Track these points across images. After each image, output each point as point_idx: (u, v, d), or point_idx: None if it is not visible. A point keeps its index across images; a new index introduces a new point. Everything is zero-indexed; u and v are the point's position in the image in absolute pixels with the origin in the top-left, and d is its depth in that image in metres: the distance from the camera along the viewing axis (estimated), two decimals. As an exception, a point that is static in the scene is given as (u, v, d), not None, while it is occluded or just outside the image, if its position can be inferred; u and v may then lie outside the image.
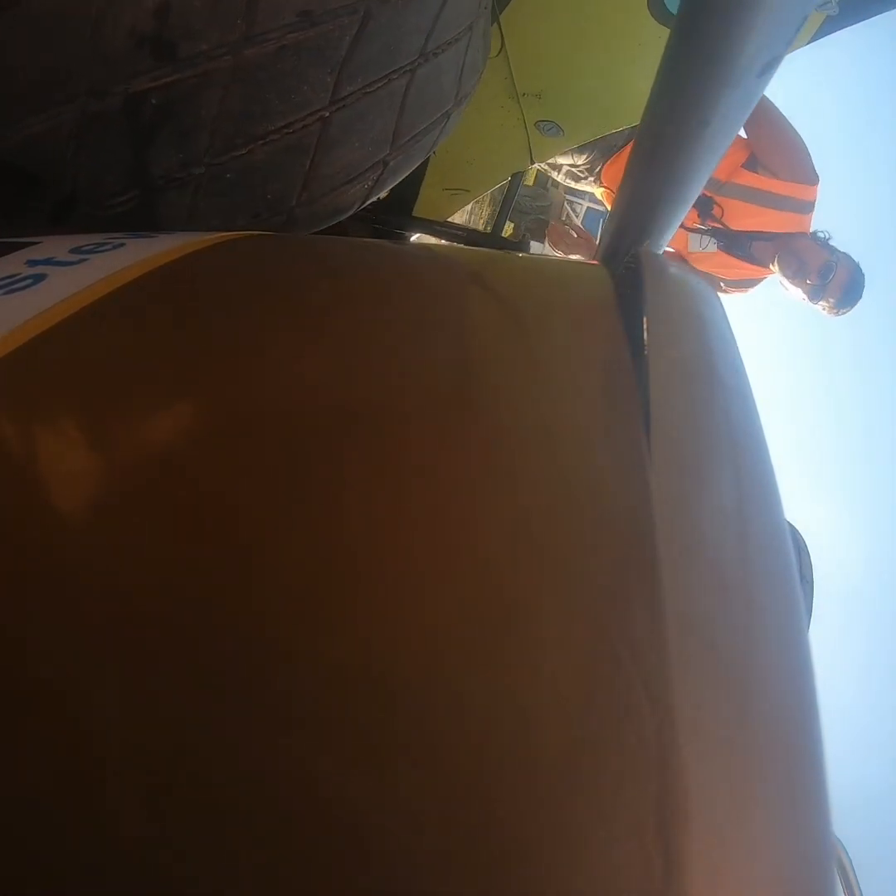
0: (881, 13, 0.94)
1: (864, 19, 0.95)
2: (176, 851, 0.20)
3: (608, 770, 0.22)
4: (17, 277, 0.31)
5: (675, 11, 0.68)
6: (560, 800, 0.21)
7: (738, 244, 2.13)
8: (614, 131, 0.94)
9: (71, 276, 0.30)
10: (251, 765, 0.20)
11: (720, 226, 2.09)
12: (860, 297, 2.16)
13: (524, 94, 0.83)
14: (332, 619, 0.23)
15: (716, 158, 0.55)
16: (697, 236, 2.12)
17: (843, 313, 2.19)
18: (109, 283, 0.30)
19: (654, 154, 0.56)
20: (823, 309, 2.18)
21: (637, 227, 0.60)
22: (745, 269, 2.21)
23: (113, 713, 0.21)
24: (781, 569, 0.32)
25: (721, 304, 0.54)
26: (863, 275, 2.17)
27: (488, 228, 1.15)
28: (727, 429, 0.40)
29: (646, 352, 0.39)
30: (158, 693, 0.21)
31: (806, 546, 1.19)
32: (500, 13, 0.73)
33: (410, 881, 0.19)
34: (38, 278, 0.31)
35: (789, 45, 0.43)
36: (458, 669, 0.23)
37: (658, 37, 0.75)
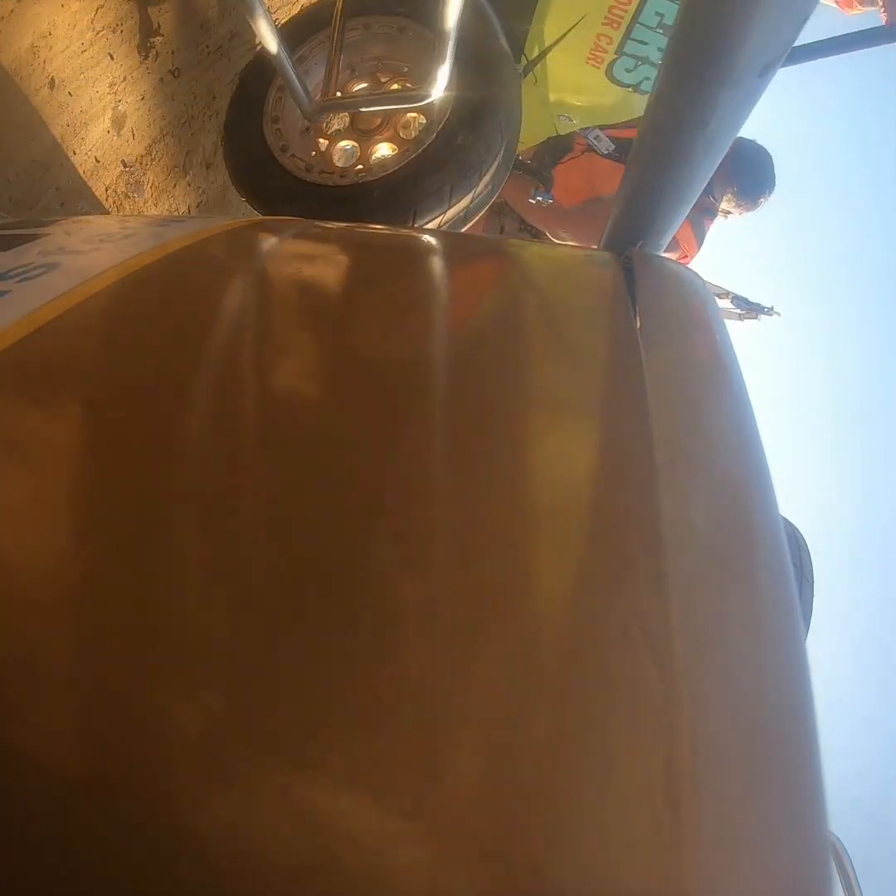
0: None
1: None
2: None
3: (619, 737, 0.22)
4: (31, 267, 0.31)
5: (621, 79, 1.58)
6: (574, 764, 0.22)
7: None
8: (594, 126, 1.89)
9: (83, 264, 0.31)
10: None
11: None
12: (766, 183, 1.92)
13: (550, 102, 1.75)
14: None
15: (716, 158, 0.55)
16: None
17: (752, 206, 1.95)
18: (120, 271, 0.30)
19: (654, 154, 0.56)
20: (733, 209, 1.94)
21: (636, 226, 0.61)
22: None
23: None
24: (776, 555, 0.33)
25: (715, 302, 0.55)
26: (764, 156, 1.93)
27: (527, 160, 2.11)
28: (722, 426, 0.41)
29: (641, 353, 0.39)
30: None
31: (806, 545, 1.19)
32: (534, 67, 1.62)
33: (444, 831, 0.19)
34: (51, 267, 0.31)
35: (790, 45, 0.43)
36: (477, 646, 0.23)
37: (612, 89, 1.61)
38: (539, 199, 1.98)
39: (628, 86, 1.61)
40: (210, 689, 0.23)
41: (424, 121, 1.17)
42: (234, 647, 0.23)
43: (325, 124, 1.25)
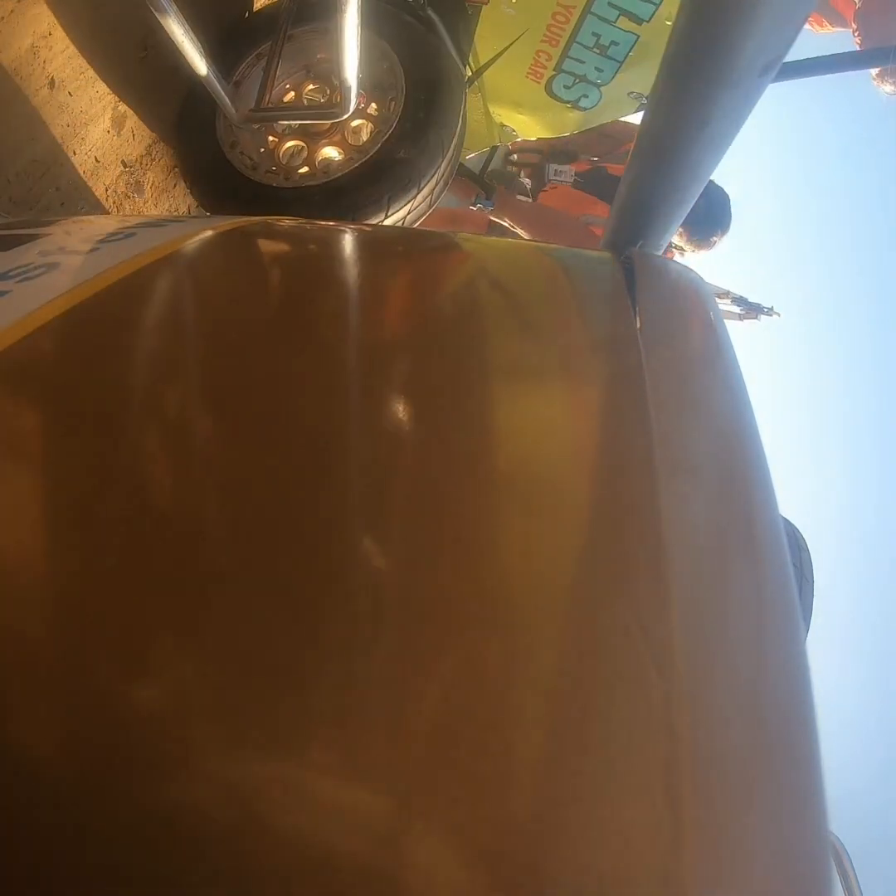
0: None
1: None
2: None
3: (619, 736, 0.22)
4: (31, 267, 0.31)
5: (560, 95, 1.66)
6: (574, 761, 0.22)
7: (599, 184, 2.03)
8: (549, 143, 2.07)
9: (83, 264, 0.31)
10: None
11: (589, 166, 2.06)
12: (719, 223, 1.94)
13: (493, 113, 1.85)
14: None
15: (716, 158, 0.55)
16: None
17: (704, 245, 1.97)
18: (120, 271, 0.30)
19: (654, 154, 0.56)
20: (686, 246, 1.97)
21: (635, 226, 0.61)
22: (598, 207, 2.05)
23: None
24: (776, 555, 0.33)
25: (715, 302, 0.55)
26: (720, 196, 1.93)
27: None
28: (722, 426, 0.41)
29: (641, 353, 0.39)
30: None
31: (806, 545, 1.19)
32: (477, 79, 1.68)
33: (443, 830, 0.19)
34: (51, 267, 0.31)
35: (790, 45, 0.43)
36: (476, 645, 0.23)
37: (551, 104, 1.69)
38: (480, 205, 2.06)
39: (567, 102, 1.69)
40: (201, 686, 0.23)
41: (374, 128, 1.20)
42: (226, 645, 0.23)
43: (275, 124, 1.30)
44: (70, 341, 0.28)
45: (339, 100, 1.09)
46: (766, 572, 0.31)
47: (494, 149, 2.25)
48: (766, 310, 2.31)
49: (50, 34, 1.09)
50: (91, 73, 1.19)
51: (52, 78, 1.12)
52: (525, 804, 0.21)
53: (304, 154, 1.28)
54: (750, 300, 2.32)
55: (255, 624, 0.24)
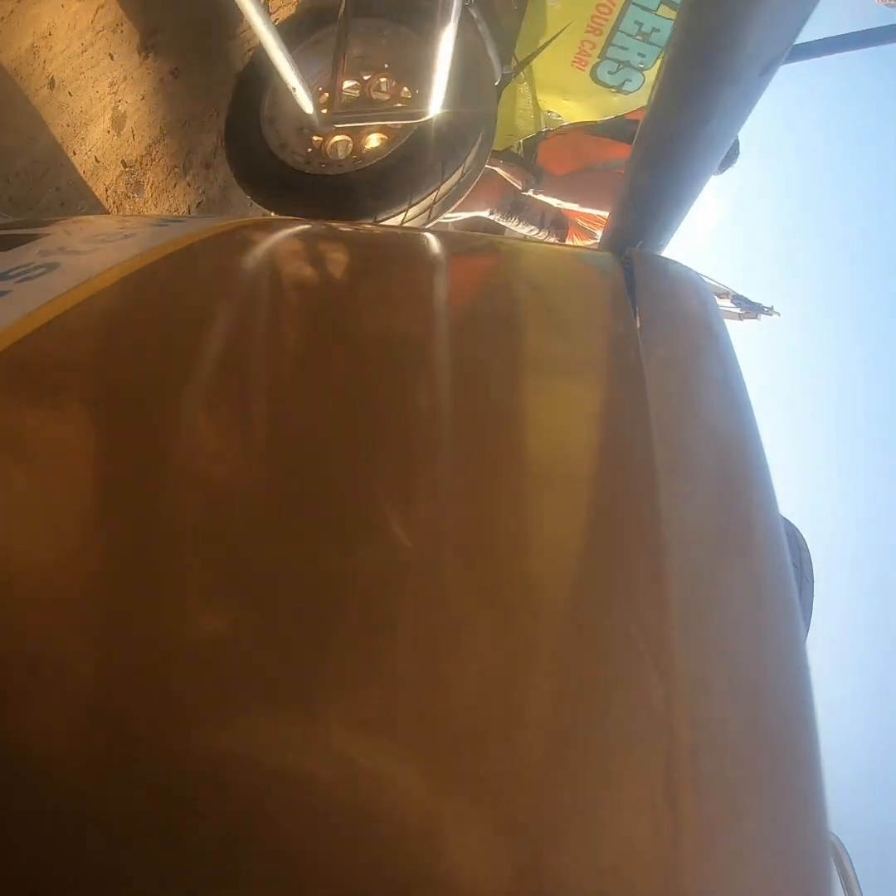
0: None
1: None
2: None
3: (619, 737, 0.22)
4: (31, 267, 0.31)
5: (605, 80, 1.76)
6: (574, 762, 0.22)
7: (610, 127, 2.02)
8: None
9: (83, 264, 0.31)
10: None
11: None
12: (727, 159, 1.96)
13: (539, 99, 1.96)
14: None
15: (716, 158, 0.55)
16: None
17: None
18: (120, 271, 0.30)
19: (654, 154, 0.56)
20: None
21: (636, 226, 0.61)
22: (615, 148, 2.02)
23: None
24: (776, 554, 0.33)
25: (715, 301, 0.55)
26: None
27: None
28: (722, 425, 0.41)
29: (641, 353, 0.39)
30: None
31: (806, 545, 1.19)
32: (523, 69, 1.77)
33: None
34: (51, 267, 0.31)
35: (790, 44, 0.43)
36: (476, 646, 0.23)
37: (596, 90, 1.80)
38: (532, 190, 2.06)
39: (611, 87, 1.80)
40: (221, 663, 0.23)
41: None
42: (240, 643, 0.23)
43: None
44: (70, 341, 0.28)
45: (410, 98, 1.20)
46: (766, 572, 0.31)
47: (539, 135, 2.34)
48: (766, 309, 2.31)
49: (50, 34, 1.09)
50: (91, 73, 1.19)
51: (52, 78, 1.13)
52: (525, 804, 0.21)
53: (350, 148, 1.36)
54: (750, 300, 2.31)
55: (270, 614, 0.24)
